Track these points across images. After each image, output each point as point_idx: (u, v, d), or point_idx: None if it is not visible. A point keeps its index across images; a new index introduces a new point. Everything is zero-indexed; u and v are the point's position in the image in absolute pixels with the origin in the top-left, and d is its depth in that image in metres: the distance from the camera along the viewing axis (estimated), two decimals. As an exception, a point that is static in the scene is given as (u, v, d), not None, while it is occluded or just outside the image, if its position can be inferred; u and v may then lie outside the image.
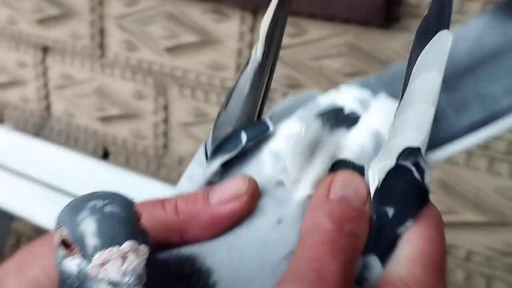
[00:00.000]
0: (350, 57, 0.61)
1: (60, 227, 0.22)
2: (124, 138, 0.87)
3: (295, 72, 0.66)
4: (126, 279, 0.20)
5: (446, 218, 0.64)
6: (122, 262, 0.20)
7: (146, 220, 0.26)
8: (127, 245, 0.20)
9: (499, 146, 0.56)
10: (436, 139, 0.25)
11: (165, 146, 0.83)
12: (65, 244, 0.22)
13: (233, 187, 0.27)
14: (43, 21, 0.87)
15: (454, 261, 0.62)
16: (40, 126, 0.99)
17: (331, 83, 0.64)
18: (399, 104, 0.25)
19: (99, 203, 0.21)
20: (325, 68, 0.63)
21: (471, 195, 0.59)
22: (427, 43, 0.25)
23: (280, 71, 0.67)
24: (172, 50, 0.75)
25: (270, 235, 0.26)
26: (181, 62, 0.74)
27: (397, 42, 0.58)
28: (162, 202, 0.28)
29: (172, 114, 0.80)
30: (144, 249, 0.21)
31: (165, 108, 0.80)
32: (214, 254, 0.25)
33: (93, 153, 0.92)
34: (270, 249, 0.24)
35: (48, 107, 0.96)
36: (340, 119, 0.27)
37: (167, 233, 0.27)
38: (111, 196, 0.22)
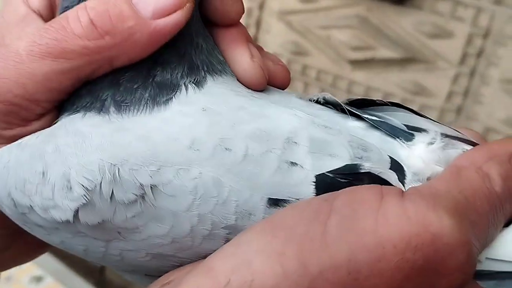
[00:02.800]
0: (359, 30, 0.58)
1: None
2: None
3: (302, 39, 0.63)
4: None
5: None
6: None
7: (54, 42, 0.20)
8: None
9: (497, 139, 0.54)
10: None
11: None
12: None
13: None
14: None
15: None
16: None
17: (337, 55, 0.61)
18: None
19: None
20: (333, 39, 0.60)
21: None
22: None
23: (287, 36, 0.64)
24: None
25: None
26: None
27: (408, 20, 0.56)
28: (63, 22, 0.21)
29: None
30: None
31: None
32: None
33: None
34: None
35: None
36: None
37: (92, 66, 0.21)
38: None
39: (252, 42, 0.26)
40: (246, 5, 0.73)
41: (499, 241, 0.20)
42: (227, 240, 0.20)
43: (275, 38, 0.65)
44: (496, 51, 0.52)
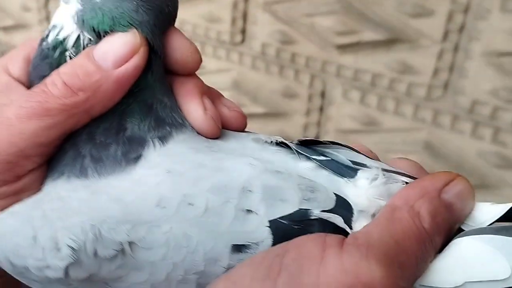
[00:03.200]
0: (343, 15, 0.59)
1: None
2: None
3: (289, 28, 0.64)
4: None
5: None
6: None
7: (39, 103, 0.23)
8: None
9: (484, 111, 0.55)
10: None
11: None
12: None
13: (123, 42, 0.25)
14: (45, -34, 0.85)
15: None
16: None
17: (323, 41, 0.62)
18: None
19: None
20: (317, 26, 0.61)
21: (454, 157, 0.59)
22: None
23: (274, 26, 0.65)
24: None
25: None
26: (179, 14, 0.73)
27: (390, 2, 0.56)
28: (43, 88, 0.24)
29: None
30: None
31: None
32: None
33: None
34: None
35: (52, 52, 0.95)
36: None
37: (73, 119, 0.24)
38: None
39: (207, 93, 0.28)
40: (231, -1, 0.71)
41: (430, 269, 0.23)
42: (198, 284, 0.23)
43: (263, 29, 0.66)
44: (476, 26, 0.53)
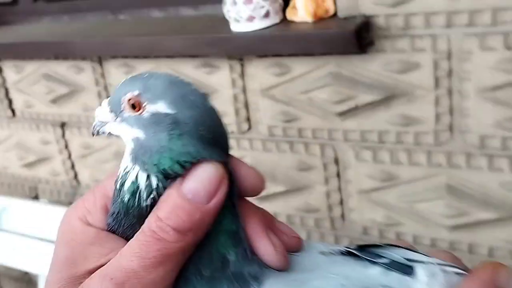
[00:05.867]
0: (336, 85, 0.62)
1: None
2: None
3: (289, 107, 0.67)
4: None
5: (461, 220, 0.64)
6: None
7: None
8: None
9: (494, 143, 0.56)
10: None
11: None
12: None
13: (211, 177, 0.27)
14: (56, 101, 0.92)
15: (479, 258, 0.62)
16: (72, 195, 1.02)
17: (324, 112, 0.65)
18: None
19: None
20: (315, 99, 0.64)
21: (479, 195, 0.59)
22: None
23: (275, 108, 0.68)
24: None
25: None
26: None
27: (375, 64, 0.59)
28: (155, 236, 0.27)
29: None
30: None
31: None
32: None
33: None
34: None
35: (75, 176, 1.00)
36: None
37: (186, 255, 0.27)
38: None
39: (268, 225, 0.31)
40: (231, 92, 0.77)
41: None
42: None
43: (265, 113, 0.69)
44: (462, 67, 0.55)
